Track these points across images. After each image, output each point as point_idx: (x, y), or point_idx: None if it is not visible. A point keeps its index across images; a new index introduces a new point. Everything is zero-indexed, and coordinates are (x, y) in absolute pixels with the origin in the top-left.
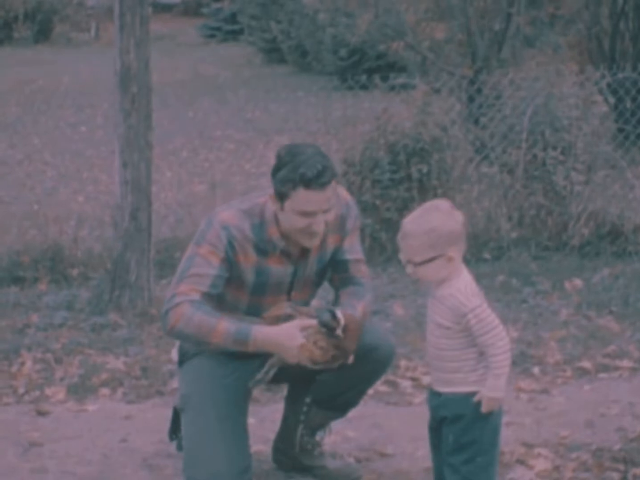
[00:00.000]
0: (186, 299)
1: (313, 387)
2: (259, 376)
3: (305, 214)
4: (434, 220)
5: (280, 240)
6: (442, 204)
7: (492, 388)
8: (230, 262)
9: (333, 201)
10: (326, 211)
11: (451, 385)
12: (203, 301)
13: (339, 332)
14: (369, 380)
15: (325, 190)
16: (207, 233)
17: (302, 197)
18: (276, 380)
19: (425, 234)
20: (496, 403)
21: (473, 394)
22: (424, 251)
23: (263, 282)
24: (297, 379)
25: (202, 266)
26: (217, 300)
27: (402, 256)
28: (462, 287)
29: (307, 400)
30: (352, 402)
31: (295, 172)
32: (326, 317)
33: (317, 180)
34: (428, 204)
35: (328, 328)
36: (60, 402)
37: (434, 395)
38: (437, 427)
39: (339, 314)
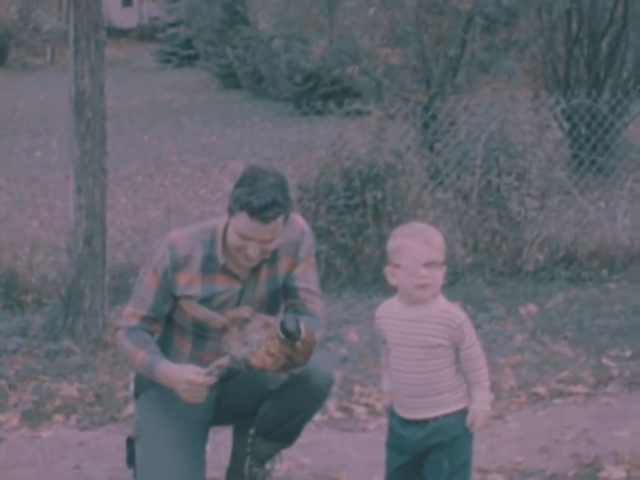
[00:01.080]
0: (124, 325)
1: (256, 419)
2: (205, 373)
3: (243, 237)
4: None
5: (222, 257)
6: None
7: (483, 401)
8: (168, 284)
9: (276, 234)
10: (265, 242)
11: (440, 407)
12: (140, 326)
13: (298, 343)
14: (309, 410)
15: (268, 224)
16: (156, 254)
17: (243, 222)
18: (222, 421)
19: (441, 239)
20: (488, 416)
21: (462, 411)
22: (442, 253)
23: (209, 300)
24: (240, 413)
25: (144, 290)
26: (166, 319)
27: (417, 262)
28: (447, 303)
29: (252, 432)
30: (295, 431)
31: (245, 197)
32: (292, 325)
33: (261, 213)
34: (419, 223)
35: (289, 336)
36: (14, 428)
37: (416, 426)
38: (412, 463)
39: (302, 325)
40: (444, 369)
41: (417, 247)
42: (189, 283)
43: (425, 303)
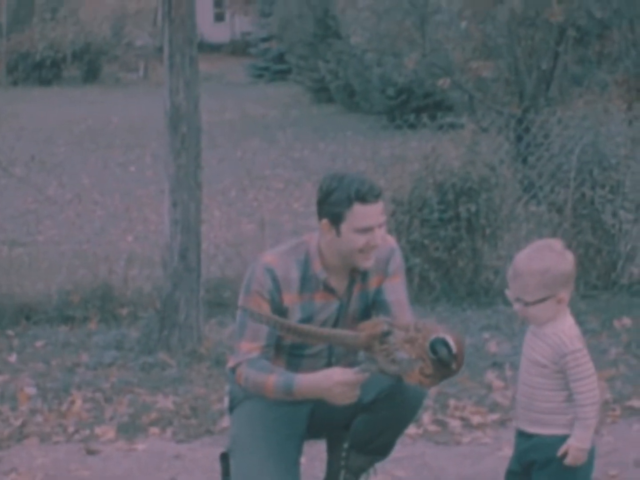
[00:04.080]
0: (245, 359)
1: (350, 433)
2: (356, 371)
3: (364, 230)
4: (548, 260)
5: (322, 272)
6: (555, 243)
7: (580, 439)
8: (276, 304)
9: (385, 216)
10: (381, 225)
11: (540, 426)
12: (261, 356)
13: (454, 366)
14: (402, 422)
15: (379, 203)
16: (253, 279)
17: (359, 214)
18: (314, 434)
19: (540, 274)
20: (584, 455)
21: (563, 437)
22: (536, 291)
23: (309, 320)
24: (333, 427)
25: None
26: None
27: (510, 294)
28: (566, 328)
29: (345, 445)
30: (389, 445)
31: (348, 191)
32: (443, 352)
33: (371, 192)
34: (541, 243)
35: (444, 363)
36: (110, 441)
37: (522, 437)
38: (520, 472)
39: (451, 342)
40: (550, 390)
41: (511, 284)
42: (292, 304)
43: (551, 322)
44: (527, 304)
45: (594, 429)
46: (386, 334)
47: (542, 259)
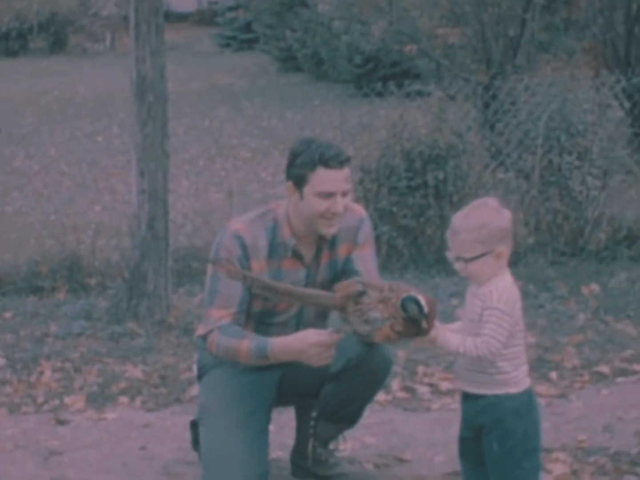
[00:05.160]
0: (216, 326)
1: (317, 402)
2: (330, 331)
3: (326, 195)
4: (484, 216)
5: (291, 239)
6: (491, 201)
7: (447, 339)
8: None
9: (350, 186)
10: (344, 194)
11: (484, 386)
12: (233, 323)
13: (425, 324)
14: (369, 392)
15: (344, 169)
16: (221, 247)
17: (321, 177)
18: (282, 402)
19: (476, 229)
20: (430, 345)
21: (509, 396)
22: (474, 247)
23: None
24: (302, 395)
25: (225, 286)
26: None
27: (450, 253)
28: (500, 287)
29: (314, 414)
30: (357, 413)
31: (313, 154)
32: (414, 310)
33: (336, 158)
34: (477, 202)
35: (414, 320)
36: (80, 410)
37: (470, 401)
38: (473, 437)
39: (423, 301)
40: None
41: (450, 242)
42: (260, 271)
43: (489, 282)
44: (466, 260)
45: (451, 350)
46: (360, 294)
47: (478, 216)
